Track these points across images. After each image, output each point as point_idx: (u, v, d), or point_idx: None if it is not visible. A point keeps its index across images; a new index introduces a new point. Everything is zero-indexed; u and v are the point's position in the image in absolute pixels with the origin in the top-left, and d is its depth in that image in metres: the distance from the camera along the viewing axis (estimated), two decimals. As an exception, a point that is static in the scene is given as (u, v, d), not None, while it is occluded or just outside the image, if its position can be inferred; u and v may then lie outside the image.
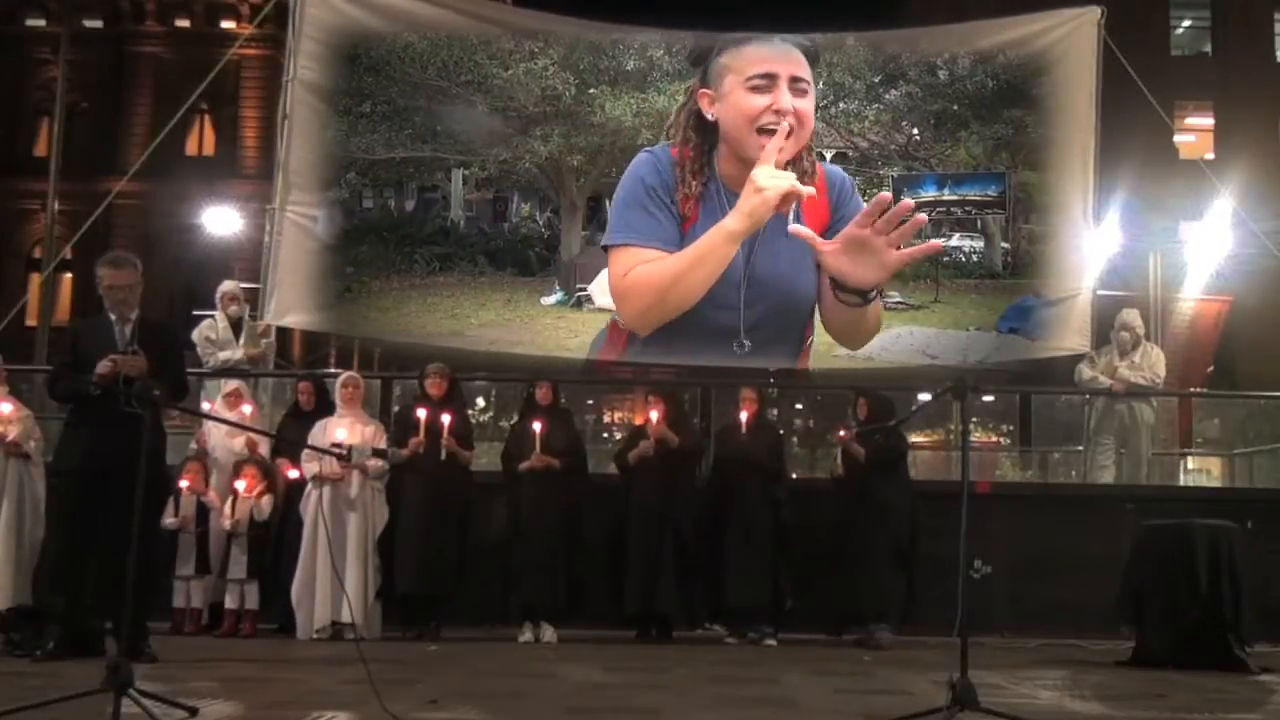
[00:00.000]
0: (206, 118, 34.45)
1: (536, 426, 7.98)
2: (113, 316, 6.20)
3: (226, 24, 34.78)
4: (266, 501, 8.00)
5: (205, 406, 8.76)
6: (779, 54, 7.34)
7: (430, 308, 9.68)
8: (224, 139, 35.08)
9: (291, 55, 9.65)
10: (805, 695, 5.38)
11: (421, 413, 7.94)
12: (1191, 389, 14.06)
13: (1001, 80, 9.82)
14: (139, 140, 31.79)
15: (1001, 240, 9.87)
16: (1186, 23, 29.85)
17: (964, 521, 4.41)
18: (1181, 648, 6.71)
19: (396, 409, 9.14)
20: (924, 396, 10.29)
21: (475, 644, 7.68)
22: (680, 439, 8.21)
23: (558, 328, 9.58)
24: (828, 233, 6.87)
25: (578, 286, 9.65)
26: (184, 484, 7.91)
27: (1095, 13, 9.83)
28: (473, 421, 9.35)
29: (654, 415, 8.13)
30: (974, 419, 11.05)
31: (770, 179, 6.38)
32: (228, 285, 9.77)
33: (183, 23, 35.59)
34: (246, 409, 8.61)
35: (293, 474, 8.12)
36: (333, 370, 15.12)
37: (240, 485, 7.98)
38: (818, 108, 8.45)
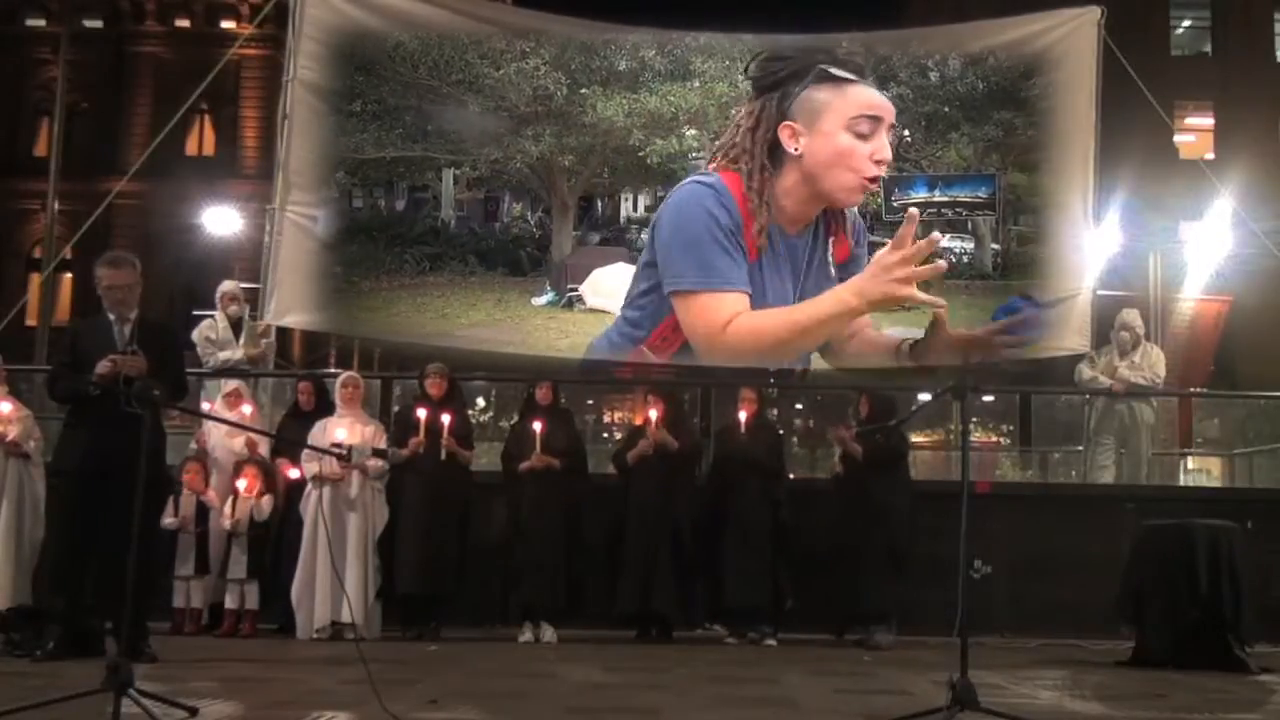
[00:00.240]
0: (206, 118, 34.48)
1: (537, 426, 7.98)
2: (112, 316, 6.19)
3: (226, 24, 34.81)
4: (266, 501, 8.00)
5: (205, 406, 8.76)
6: (880, 98, 7.19)
7: (420, 308, 9.64)
8: (224, 139, 35.10)
9: (291, 55, 9.63)
10: (805, 695, 5.38)
11: (421, 413, 7.94)
12: (1191, 389, 14.06)
13: (992, 82, 9.79)
14: (139, 140, 31.80)
15: (991, 242, 9.87)
16: (1186, 23, 29.84)
17: (964, 521, 4.41)
18: (1181, 648, 6.70)
19: (396, 409, 9.14)
20: (924, 396, 10.28)
21: (475, 644, 7.67)
22: (679, 441, 8.20)
23: (548, 328, 9.53)
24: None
25: (569, 287, 9.61)
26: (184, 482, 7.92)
27: (1095, 13, 9.80)
28: (473, 421, 9.34)
29: (653, 415, 8.12)
30: (974, 419, 11.04)
31: (907, 278, 6.30)
32: (228, 285, 9.78)
33: (183, 23, 35.62)
34: (246, 409, 8.61)
35: (293, 474, 8.12)
36: (333, 370, 15.12)
37: (240, 485, 7.98)
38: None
